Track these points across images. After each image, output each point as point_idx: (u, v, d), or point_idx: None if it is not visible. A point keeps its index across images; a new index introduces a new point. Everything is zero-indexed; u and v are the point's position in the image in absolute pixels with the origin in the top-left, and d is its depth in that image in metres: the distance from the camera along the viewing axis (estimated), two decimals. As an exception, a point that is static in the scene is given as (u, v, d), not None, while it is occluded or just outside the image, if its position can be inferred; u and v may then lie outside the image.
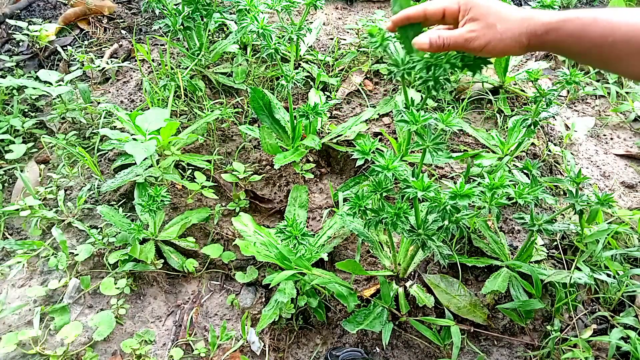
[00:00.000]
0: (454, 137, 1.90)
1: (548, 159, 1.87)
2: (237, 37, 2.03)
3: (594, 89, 2.20)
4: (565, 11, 0.80)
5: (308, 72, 2.11)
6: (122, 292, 1.50)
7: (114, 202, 1.71)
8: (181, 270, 1.58)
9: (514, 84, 2.10)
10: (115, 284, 1.51)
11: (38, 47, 2.33)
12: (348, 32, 2.44)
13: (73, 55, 2.29)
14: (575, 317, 1.41)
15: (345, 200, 1.63)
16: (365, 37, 2.31)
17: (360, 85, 2.11)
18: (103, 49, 2.38)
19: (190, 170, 1.75)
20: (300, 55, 2.19)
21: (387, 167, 1.02)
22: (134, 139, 1.42)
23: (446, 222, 1.07)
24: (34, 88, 1.91)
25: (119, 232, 1.58)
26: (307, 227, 1.69)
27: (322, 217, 1.71)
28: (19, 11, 2.53)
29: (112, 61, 2.27)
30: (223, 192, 1.76)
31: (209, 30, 2.07)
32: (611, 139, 2.06)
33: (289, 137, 1.82)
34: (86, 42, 2.39)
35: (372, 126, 1.94)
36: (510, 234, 1.66)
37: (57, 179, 1.77)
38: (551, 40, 0.80)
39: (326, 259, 1.52)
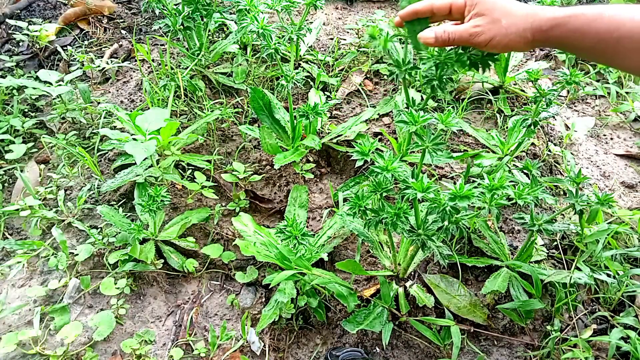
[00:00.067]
0: (454, 137, 1.90)
1: (548, 159, 1.87)
2: (237, 37, 2.03)
3: (594, 89, 2.20)
4: (571, 7, 0.80)
5: (308, 72, 2.11)
6: (122, 292, 1.50)
7: (114, 202, 1.71)
8: (181, 270, 1.58)
9: (514, 84, 2.10)
10: (115, 284, 1.51)
11: (38, 47, 2.33)
12: (348, 32, 2.44)
13: (73, 55, 2.29)
14: (575, 317, 1.41)
15: (345, 200, 1.63)
16: (365, 38, 2.31)
17: (360, 85, 2.11)
18: (103, 49, 2.38)
19: (190, 170, 1.75)
20: (300, 55, 2.19)
21: (386, 168, 1.02)
22: (134, 139, 1.42)
23: (446, 223, 1.07)
24: (34, 88, 1.91)
25: (119, 232, 1.58)
26: (307, 227, 1.69)
27: (322, 217, 1.71)
28: (19, 11, 2.53)
29: (112, 61, 2.27)
30: (223, 192, 1.76)
31: (209, 30, 2.07)
32: (611, 139, 2.06)
33: (289, 137, 1.82)
34: (86, 42, 2.39)
35: (372, 126, 1.94)
36: (510, 234, 1.66)
37: (57, 179, 1.78)
38: (556, 36, 0.80)
39: (326, 259, 1.52)
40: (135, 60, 2.24)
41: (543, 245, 1.57)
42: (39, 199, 1.66)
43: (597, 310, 1.43)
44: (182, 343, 1.45)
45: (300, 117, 1.63)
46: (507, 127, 1.88)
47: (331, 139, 1.85)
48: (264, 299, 1.55)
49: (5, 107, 2.03)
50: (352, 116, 1.98)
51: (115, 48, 2.36)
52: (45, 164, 1.88)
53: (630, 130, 2.10)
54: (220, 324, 1.50)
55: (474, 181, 1.04)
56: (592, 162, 1.96)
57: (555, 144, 1.96)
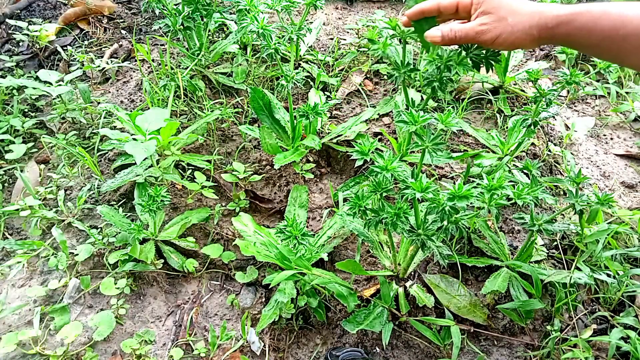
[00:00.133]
0: (454, 137, 1.90)
1: (548, 159, 1.87)
2: (237, 37, 2.03)
3: (594, 89, 2.20)
4: (577, 5, 0.81)
5: (308, 72, 2.11)
6: (122, 292, 1.50)
7: (114, 202, 1.71)
8: (181, 270, 1.58)
9: (514, 84, 2.10)
10: (115, 284, 1.51)
11: (38, 47, 2.34)
12: (348, 32, 2.44)
13: (73, 55, 2.29)
14: (575, 317, 1.41)
15: (345, 200, 1.63)
16: (365, 37, 2.31)
17: (360, 85, 2.11)
18: (103, 49, 2.38)
19: (190, 170, 1.75)
20: (300, 55, 2.19)
21: (386, 168, 1.02)
22: (134, 139, 1.42)
23: (445, 223, 1.07)
24: (34, 88, 1.91)
25: (119, 232, 1.58)
26: (307, 227, 1.69)
27: (322, 217, 1.71)
28: (19, 11, 2.54)
29: (112, 61, 2.27)
30: (223, 192, 1.76)
31: (209, 30, 2.07)
32: (611, 139, 2.06)
33: (289, 137, 1.82)
34: (86, 42, 2.39)
35: (372, 126, 1.94)
36: (510, 234, 1.66)
37: (57, 179, 1.78)
38: (562, 33, 0.81)
39: (326, 259, 1.52)
40: (135, 60, 2.24)
41: (543, 245, 1.57)
42: (39, 199, 1.66)
43: (597, 310, 1.43)
44: (182, 343, 1.45)
45: (300, 117, 1.63)
46: (507, 127, 1.88)
47: (331, 139, 1.85)
48: (264, 299, 1.55)
49: (5, 107, 2.03)
50: (352, 116, 1.98)
51: (115, 48, 2.36)
52: (45, 164, 1.88)
53: (630, 130, 2.10)
54: (220, 324, 1.50)
55: (474, 181, 1.04)
56: (592, 162, 1.96)
57: (555, 144, 1.96)
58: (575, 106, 2.20)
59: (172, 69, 2.02)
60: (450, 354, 1.34)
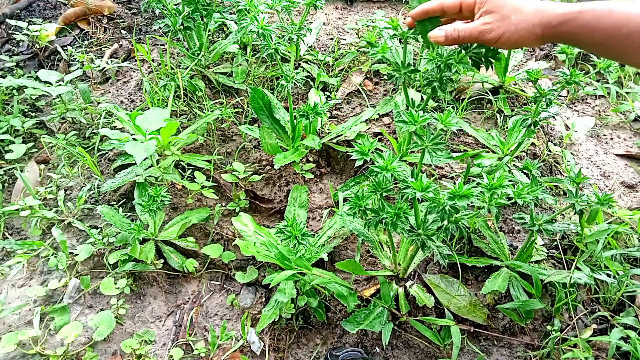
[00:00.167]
0: (454, 137, 1.90)
1: (548, 159, 1.87)
2: (237, 37, 2.03)
3: (594, 89, 2.20)
4: (580, 3, 0.81)
5: (308, 72, 2.11)
6: (122, 292, 1.50)
7: (114, 202, 1.71)
8: (181, 270, 1.58)
9: (514, 84, 2.10)
10: (115, 284, 1.51)
11: (38, 47, 2.34)
12: (348, 32, 2.44)
13: (73, 55, 2.29)
14: (575, 317, 1.41)
15: (345, 200, 1.63)
16: (365, 37, 2.31)
17: (360, 85, 2.11)
18: (103, 49, 2.38)
19: (190, 170, 1.75)
20: (300, 55, 2.19)
21: (386, 168, 1.02)
22: (134, 139, 1.42)
23: (445, 223, 1.07)
24: (34, 88, 1.91)
25: (119, 232, 1.58)
26: (307, 227, 1.69)
27: (322, 217, 1.71)
28: (19, 11, 2.54)
29: (112, 61, 2.27)
30: (223, 192, 1.76)
31: (209, 30, 2.07)
32: (611, 139, 2.06)
33: (289, 137, 1.82)
34: (86, 42, 2.39)
35: (372, 126, 1.94)
36: (510, 234, 1.66)
37: (57, 179, 1.78)
38: (565, 32, 0.81)
39: (326, 259, 1.52)
40: (135, 60, 2.24)
41: (543, 245, 1.57)
42: (39, 199, 1.66)
43: (597, 310, 1.43)
44: (182, 343, 1.45)
45: (300, 117, 1.63)
46: (507, 127, 1.88)
47: (331, 139, 1.85)
48: (264, 299, 1.55)
49: (5, 107, 2.03)
50: (352, 116, 1.98)
51: (115, 48, 2.36)
52: (45, 164, 1.88)
53: (630, 130, 2.10)
54: (220, 324, 1.50)
55: (473, 181, 1.05)
56: (592, 162, 1.96)
57: (555, 144, 1.96)
58: (575, 106, 2.20)
59: (172, 69, 2.02)
60: (450, 354, 1.34)
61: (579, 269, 1.43)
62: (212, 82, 2.06)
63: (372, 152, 1.05)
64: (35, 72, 2.06)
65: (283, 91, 2.02)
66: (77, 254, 1.55)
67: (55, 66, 2.31)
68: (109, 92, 2.16)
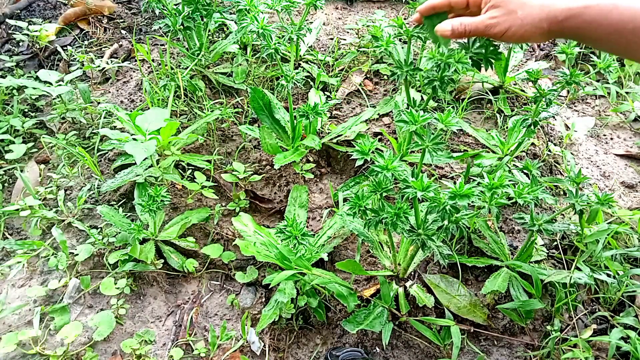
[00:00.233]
0: (454, 137, 1.90)
1: (548, 159, 1.87)
2: (237, 37, 2.03)
3: (594, 89, 2.20)
4: None
5: (308, 72, 2.11)
6: (122, 292, 1.50)
7: (114, 202, 1.71)
8: (181, 270, 1.58)
9: (514, 84, 2.10)
10: (115, 284, 1.51)
11: (38, 47, 2.34)
12: (348, 32, 2.44)
13: (73, 55, 2.29)
14: (575, 317, 1.41)
15: (345, 200, 1.63)
16: (365, 37, 2.31)
17: (360, 85, 2.11)
18: (103, 49, 2.38)
19: (190, 170, 1.75)
20: (300, 55, 2.19)
21: (386, 168, 1.02)
22: (134, 139, 1.42)
23: (446, 222, 1.07)
24: (34, 88, 1.91)
25: (119, 232, 1.58)
26: (307, 227, 1.69)
27: (322, 217, 1.71)
28: (19, 11, 2.54)
29: (112, 61, 2.27)
30: (223, 192, 1.76)
31: (209, 30, 2.07)
32: (611, 139, 2.06)
33: (289, 137, 1.82)
34: (86, 42, 2.39)
35: (372, 126, 1.94)
36: (510, 234, 1.66)
37: (57, 179, 1.78)
38: (571, 27, 0.81)
39: (326, 259, 1.52)
40: (135, 60, 2.24)
41: (543, 245, 1.57)
42: (39, 199, 1.66)
43: (597, 310, 1.43)
44: (182, 343, 1.45)
45: (300, 117, 1.63)
46: (507, 127, 1.88)
47: (331, 139, 1.85)
48: (264, 299, 1.55)
49: (5, 107, 2.03)
50: (352, 116, 1.98)
51: (115, 48, 2.36)
52: (45, 164, 1.88)
53: (630, 130, 2.10)
54: (220, 324, 1.50)
55: (473, 181, 1.05)
56: (592, 162, 1.96)
57: (555, 144, 1.96)
58: (575, 106, 2.21)
59: (172, 69, 2.02)
60: (450, 354, 1.34)
61: (579, 269, 1.43)
62: (212, 82, 2.06)
63: (373, 152, 1.05)
64: (35, 72, 2.06)
65: (283, 91, 2.02)
66: (77, 254, 1.55)
67: (55, 66, 2.31)
68: (109, 92, 2.16)
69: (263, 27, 1.39)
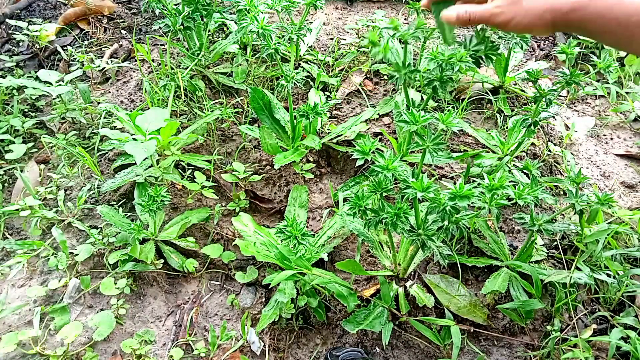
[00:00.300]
0: (454, 137, 1.90)
1: (548, 159, 1.87)
2: (237, 37, 2.03)
3: (594, 89, 2.20)
4: None
5: (308, 72, 2.11)
6: (122, 292, 1.50)
7: (114, 202, 1.71)
8: (181, 270, 1.58)
9: (514, 84, 2.10)
10: (115, 284, 1.51)
11: (38, 47, 2.33)
12: (348, 32, 2.44)
13: (73, 55, 2.29)
14: (575, 317, 1.41)
15: (345, 200, 1.63)
16: (365, 39, 2.31)
17: (360, 85, 2.11)
18: (103, 49, 2.38)
19: (190, 170, 1.75)
20: (300, 55, 2.19)
21: (386, 168, 1.02)
22: (134, 139, 1.42)
23: (446, 223, 1.07)
24: (34, 88, 1.91)
25: (119, 232, 1.58)
26: (307, 227, 1.69)
27: (322, 217, 1.72)
28: (19, 11, 2.53)
29: (112, 61, 2.27)
30: (223, 192, 1.76)
31: (209, 30, 2.07)
32: (611, 139, 2.06)
33: (289, 137, 1.82)
34: (86, 42, 2.39)
35: (372, 126, 1.94)
36: (510, 234, 1.66)
37: (57, 179, 1.78)
38: (575, 19, 0.82)
39: (326, 259, 1.52)
40: (135, 60, 2.24)
41: (543, 245, 1.57)
42: (39, 199, 1.66)
43: (597, 310, 1.43)
44: (182, 343, 1.45)
45: (300, 117, 1.63)
46: (507, 127, 1.88)
47: (331, 139, 1.85)
48: (264, 299, 1.55)
49: (5, 107, 2.03)
50: (352, 116, 1.98)
51: (115, 48, 2.36)
52: (45, 164, 1.88)
53: (630, 130, 2.10)
54: (220, 324, 1.50)
55: (474, 181, 1.05)
56: (592, 162, 1.96)
57: (555, 144, 1.96)
58: (575, 106, 2.21)
59: (172, 69, 2.02)
60: (450, 354, 1.34)
61: (579, 269, 1.43)
62: (212, 82, 2.06)
63: (373, 152, 1.05)
64: (35, 72, 2.06)
65: (283, 91, 2.02)
66: (77, 254, 1.55)
67: (55, 66, 2.31)
68: (109, 92, 2.16)
69: (263, 27, 1.39)
